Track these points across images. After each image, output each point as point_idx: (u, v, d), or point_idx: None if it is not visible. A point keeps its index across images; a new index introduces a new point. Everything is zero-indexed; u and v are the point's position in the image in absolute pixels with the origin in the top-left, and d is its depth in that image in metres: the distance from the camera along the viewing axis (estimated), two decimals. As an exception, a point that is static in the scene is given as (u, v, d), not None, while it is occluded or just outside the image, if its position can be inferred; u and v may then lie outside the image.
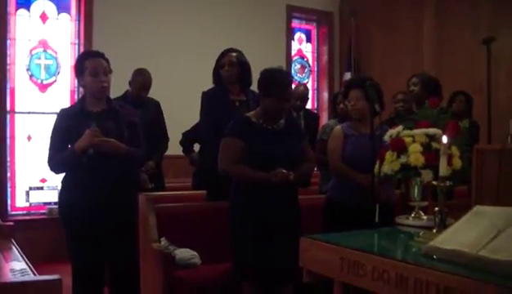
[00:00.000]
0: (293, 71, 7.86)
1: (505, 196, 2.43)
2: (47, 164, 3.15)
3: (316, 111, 7.84)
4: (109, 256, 3.13)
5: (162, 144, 4.82)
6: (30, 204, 6.10)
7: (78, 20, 6.34)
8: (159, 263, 3.45)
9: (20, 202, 6.07)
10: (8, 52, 5.91)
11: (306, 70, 8.14)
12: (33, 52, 6.14)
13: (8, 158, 5.94)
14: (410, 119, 2.84)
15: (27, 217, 5.99)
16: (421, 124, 2.70)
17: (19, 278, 1.77)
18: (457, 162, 2.56)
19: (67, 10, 6.31)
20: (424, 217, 2.54)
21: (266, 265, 3.06)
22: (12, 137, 6.00)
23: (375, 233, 2.57)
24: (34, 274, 1.82)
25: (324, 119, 7.34)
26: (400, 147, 2.63)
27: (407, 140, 2.64)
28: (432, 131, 2.63)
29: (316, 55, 8.22)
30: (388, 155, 2.66)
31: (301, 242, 2.35)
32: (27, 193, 6.08)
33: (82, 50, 6.13)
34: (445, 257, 1.86)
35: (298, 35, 8.08)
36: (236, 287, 3.16)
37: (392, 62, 7.13)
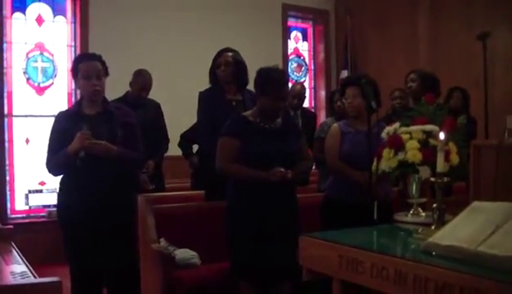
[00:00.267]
0: (290, 70, 7.87)
1: (502, 191, 2.43)
2: (45, 166, 3.16)
3: (313, 109, 7.84)
4: (106, 257, 3.13)
5: (162, 145, 4.80)
6: (30, 207, 6.10)
7: (74, 23, 6.35)
8: (159, 263, 3.46)
9: (20, 205, 6.07)
10: (5, 56, 5.91)
11: (303, 69, 8.14)
12: (30, 55, 6.14)
13: (7, 162, 5.95)
14: (408, 116, 2.85)
15: (26, 220, 6.00)
16: (418, 121, 2.70)
17: (19, 281, 1.78)
18: (455, 159, 2.57)
19: (63, 12, 6.32)
20: (423, 214, 2.54)
21: (263, 264, 3.05)
22: (11, 140, 6.01)
23: (373, 230, 2.57)
24: (35, 277, 1.83)
25: (321, 117, 7.33)
26: (397, 144, 2.63)
27: (404, 136, 2.65)
28: (429, 127, 2.64)
29: (312, 53, 8.23)
30: (386, 152, 2.66)
31: (301, 241, 2.35)
32: (26, 197, 6.08)
33: (78, 52, 6.14)
34: (444, 253, 1.87)
35: (294, 34, 8.08)
36: (236, 287, 3.15)
37: (389, 59, 7.14)
